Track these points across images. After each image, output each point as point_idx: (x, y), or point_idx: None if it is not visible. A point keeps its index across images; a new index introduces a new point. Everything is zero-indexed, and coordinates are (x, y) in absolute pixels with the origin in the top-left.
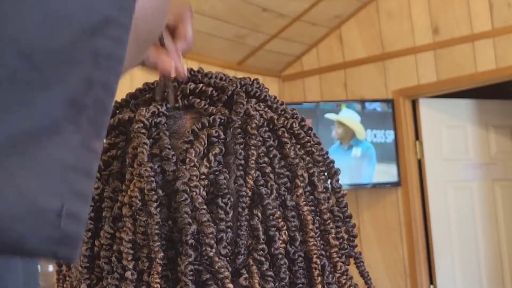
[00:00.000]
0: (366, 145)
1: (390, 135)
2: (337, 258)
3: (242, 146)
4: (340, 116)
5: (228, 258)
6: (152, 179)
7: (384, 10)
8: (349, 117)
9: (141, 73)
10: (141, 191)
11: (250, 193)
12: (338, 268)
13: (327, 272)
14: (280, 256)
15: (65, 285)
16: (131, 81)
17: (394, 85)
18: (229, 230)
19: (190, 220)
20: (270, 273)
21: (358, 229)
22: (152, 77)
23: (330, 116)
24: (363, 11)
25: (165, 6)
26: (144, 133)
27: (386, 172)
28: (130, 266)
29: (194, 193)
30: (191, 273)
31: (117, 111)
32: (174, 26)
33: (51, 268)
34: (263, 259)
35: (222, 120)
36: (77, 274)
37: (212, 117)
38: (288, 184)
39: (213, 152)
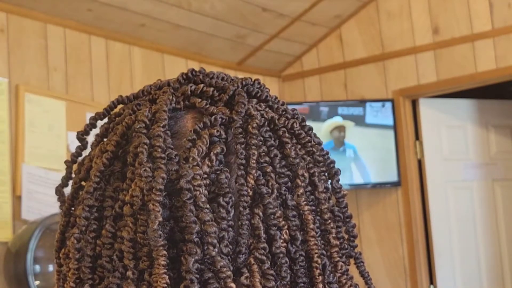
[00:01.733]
0: (351, 147)
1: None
2: (338, 258)
3: (243, 146)
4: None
5: (229, 257)
6: (151, 179)
7: (384, 10)
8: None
9: (141, 74)
10: (142, 190)
11: (251, 192)
12: (339, 267)
13: (328, 272)
14: (281, 255)
15: (65, 285)
16: (131, 81)
17: (394, 85)
18: (230, 229)
19: (195, 219)
20: (271, 272)
21: (358, 229)
22: (152, 79)
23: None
24: (363, 11)
25: None
26: (145, 133)
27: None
28: (131, 265)
29: (198, 192)
30: (197, 271)
31: (119, 110)
32: None
33: (51, 268)
34: (264, 258)
35: (224, 120)
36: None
37: (213, 116)
38: (289, 184)
39: (215, 152)
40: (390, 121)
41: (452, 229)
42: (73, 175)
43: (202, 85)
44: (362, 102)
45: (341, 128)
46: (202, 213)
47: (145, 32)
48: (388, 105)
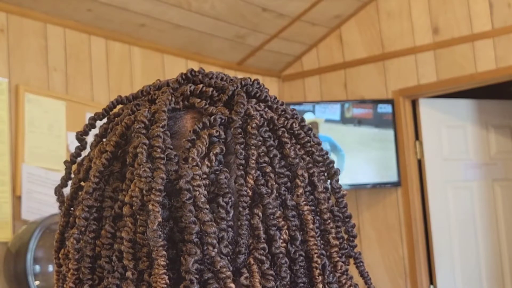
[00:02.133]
0: (326, 139)
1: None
2: (338, 258)
3: (242, 146)
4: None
5: (229, 258)
6: (150, 179)
7: (384, 10)
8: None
9: (141, 74)
10: (142, 191)
11: (250, 193)
12: (339, 267)
13: (328, 272)
14: (280, 255)
15: (64, 286)
16: (131, 81)
17: (394, 85)
18: (230, 229)
19: (195, 219)
20: (271, 272)
21: (358, 229)
22: (152, 79)
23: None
24: (363, 11)
25: None
26: (144, 133)
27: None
28: (131, 266)
29: (197, 193)
30: (196, 271)
31: (118, 110)
32: None
33: (51, 268)
34: (263, 258)
35: (223, 120)
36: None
37: (213, 116)
38: (288, 184)
39: (214, 152)
40: (337, 117)
41: (452, 229)
42: (73, 176)
43: (201, 85)
44: (362, 102)
45: (313, 125)
46: (202, 213)
47: (145, 32)
48: (335, 105)
